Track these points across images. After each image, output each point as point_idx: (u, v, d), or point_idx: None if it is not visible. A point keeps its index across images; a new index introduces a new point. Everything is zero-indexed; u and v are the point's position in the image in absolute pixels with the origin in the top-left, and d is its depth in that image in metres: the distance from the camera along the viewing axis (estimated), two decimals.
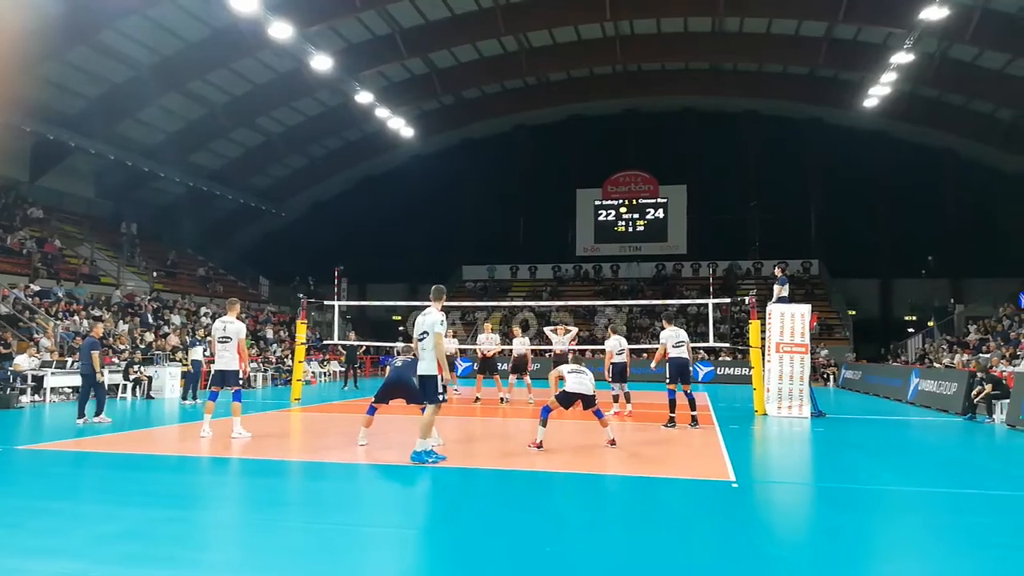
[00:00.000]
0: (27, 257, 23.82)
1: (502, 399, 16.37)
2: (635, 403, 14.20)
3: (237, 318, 10.77)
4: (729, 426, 12.56)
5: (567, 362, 14.68)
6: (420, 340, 8.37)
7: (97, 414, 12.22)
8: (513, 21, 27.80)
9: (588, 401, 9.42)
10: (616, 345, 13.82)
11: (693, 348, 14.47)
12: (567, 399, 9.36)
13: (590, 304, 30.69)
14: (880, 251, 35.74)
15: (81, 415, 12.09)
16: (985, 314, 27.08)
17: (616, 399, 14.02)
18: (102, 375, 12.41)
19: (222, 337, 10.46)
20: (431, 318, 8.35)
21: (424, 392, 8.39)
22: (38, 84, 24.34)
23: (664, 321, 12.89)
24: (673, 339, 12.12)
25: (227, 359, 10.36)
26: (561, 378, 9.51)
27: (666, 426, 11.89)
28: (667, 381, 12.19)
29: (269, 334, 28.41)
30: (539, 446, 9.21)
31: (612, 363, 13.71)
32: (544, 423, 9.33)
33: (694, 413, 12.08)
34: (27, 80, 23.66)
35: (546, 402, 9.58)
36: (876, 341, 33.06)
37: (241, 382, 10.70)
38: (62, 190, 29.72)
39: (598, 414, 9.61)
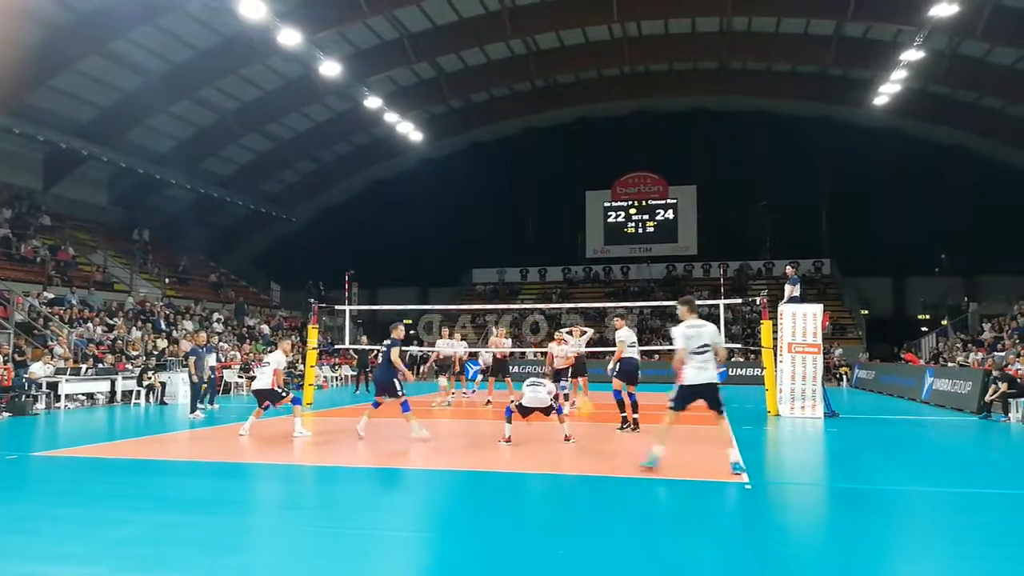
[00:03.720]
0: (41, 265, 24.01)
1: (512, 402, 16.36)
2: (640, 403, 14.12)
3: (285, 353, 12.15)
4: (742, 427, 12.49)
5: (583, 364, 14.86)
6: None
7: (192, 411, 14.44)
8: (520, 24, 27.80)
9: (546, 411, 10.01)
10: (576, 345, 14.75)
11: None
12: (523, 411, 9.99)
13: (600, 306, 30.56)
14: (892, 249, 35.32)
15: (212, 403, 15.43)
16: (999, 312, 26.82)
17: (567, 397, 14.16)
18: (210, 375, 15.72)
19: (263, 362, 12.30)
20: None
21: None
22: (50, 93, 24.57)
23: (617, 320, 12.32)
24: (629, 339, 11.73)
25: (262, 380, 11.65)
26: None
27: (621, 428, 11.50)
28: (614, 378, 11.65)
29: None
30: (507, 440, 9.95)
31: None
32: (509, 420, 10.04)
33: (636, 416, 11.52)
34: (40, 90, 23.92)
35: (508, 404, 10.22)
36: (889, 340, 32.81)
37: (284, 394, 11.54)
38: (75, 198, 29.97)
39: (559, 410, 10.24)
